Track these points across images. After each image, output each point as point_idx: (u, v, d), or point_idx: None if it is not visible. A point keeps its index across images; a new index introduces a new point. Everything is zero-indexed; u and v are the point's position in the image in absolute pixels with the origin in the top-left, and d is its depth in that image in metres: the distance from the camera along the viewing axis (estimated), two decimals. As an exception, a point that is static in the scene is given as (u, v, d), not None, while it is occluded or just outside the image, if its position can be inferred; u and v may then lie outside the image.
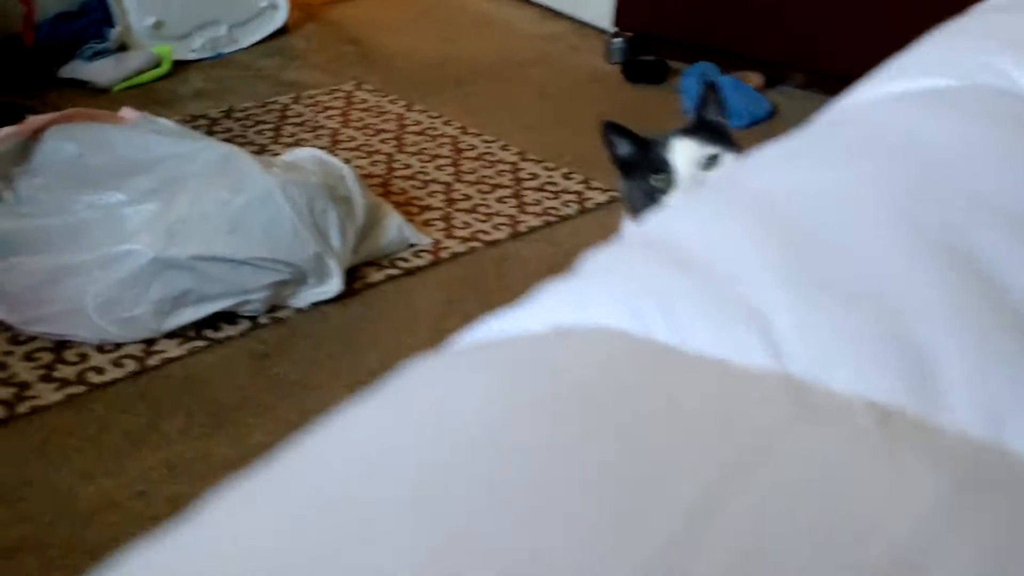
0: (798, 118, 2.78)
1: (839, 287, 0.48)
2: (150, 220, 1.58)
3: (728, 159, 1.13)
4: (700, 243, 0.55)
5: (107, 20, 2.64)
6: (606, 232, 1.92)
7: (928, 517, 0.35)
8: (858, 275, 0.49)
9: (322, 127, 2.40)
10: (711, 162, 1.12)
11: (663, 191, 1.12)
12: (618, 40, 2.93)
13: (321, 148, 2.26)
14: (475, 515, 0.36)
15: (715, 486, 0.34)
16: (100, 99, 2.49)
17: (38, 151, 1.74)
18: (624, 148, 1.18)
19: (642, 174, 1.14)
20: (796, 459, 0.37)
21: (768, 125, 2.53)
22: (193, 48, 2.78)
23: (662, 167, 1.12)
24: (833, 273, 0.49)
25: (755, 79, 2.73)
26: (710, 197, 0.64)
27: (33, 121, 1.77)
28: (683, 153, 1.11)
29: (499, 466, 0.38)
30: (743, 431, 0.38)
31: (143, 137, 1.78)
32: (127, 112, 1.97)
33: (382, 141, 2.33)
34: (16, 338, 1.55)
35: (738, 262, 0.51)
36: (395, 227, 1.85)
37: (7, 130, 1.73)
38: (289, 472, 0.42)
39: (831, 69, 2.65)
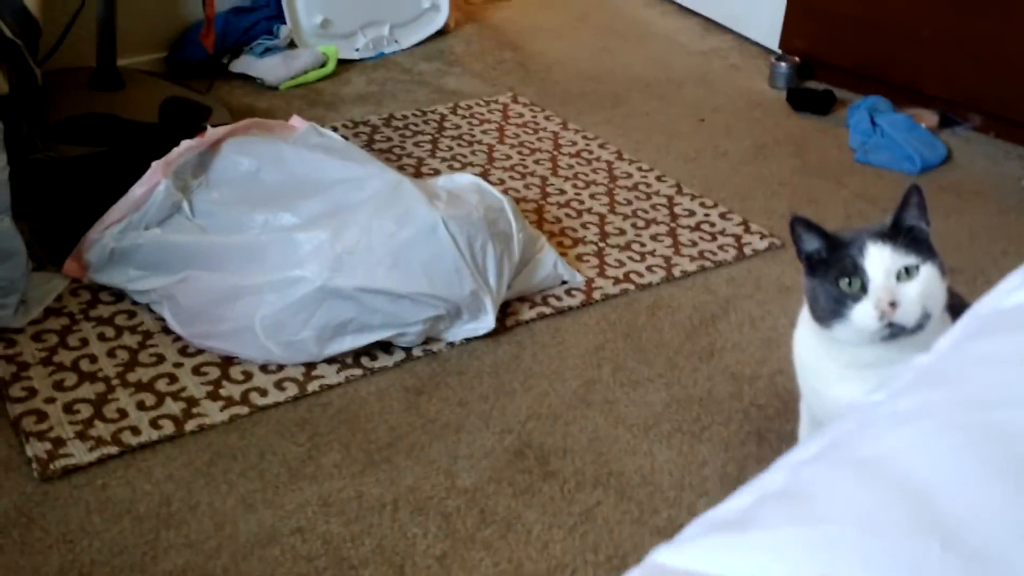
0: (974, 165, 2.68)
1: None
2: (320, 248, 1.62)
3: (926, 271, 1.07)
4: (958, 506, 0.50)
5: (278, 16, 2.71)
6: (764, 284, 1.87)
7: None
8: None
9: (478, 142, 2.41)
10: (909, 273, 1.07)
11: (854, 298, 1.08)
12: (783, 64, 2.83)
13: (477, 164, 2.28)
14: None
15: None
16: (267, 95, 2.57)
17: (216, 164, 1.81)
18: (812, 244, 1.13)
19: (830, 275, 1.10)
20: None
21: (941, 171, 2.41)
22: (356, 47, 2.83)
23: (853, 272, 1.08)
24: None
25: (929, 118, 2.59)
26: (947, 423, 0.59)
27: (213, 133, 1.84)
28: (878, 260, 1.06)
29: None
30: None
31: (315, 157, 1.82)
32: (296, 121, 2.02)
33: (536, 162, 2.33)
34: (185, 349, 1.62)
35: (1006, 546, 0.47)
36: (550, 263, 1.85)
37: (188, 143, 1.80)
38: None
39: (1012, 113, 2.50)
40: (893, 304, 1.05)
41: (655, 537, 1.31)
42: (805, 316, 1.20)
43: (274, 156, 1.83)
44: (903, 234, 1.08)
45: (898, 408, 0.66)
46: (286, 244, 1.64)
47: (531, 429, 1.52)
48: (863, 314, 1.06)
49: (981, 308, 0.83)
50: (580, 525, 1.34)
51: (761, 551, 0.53)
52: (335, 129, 2.26)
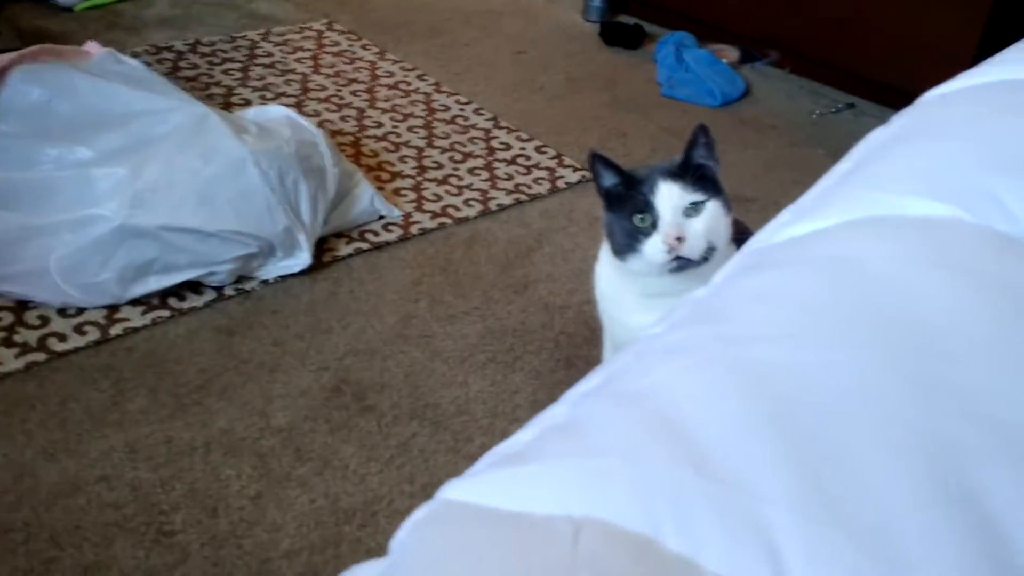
0: (771, 99, 2.80)
1: (849, 521, 0.49)
2: (119, 185, 1.54)
3: (712, 207, 1.14)
4: (709, 429, 0.56)
5: (69, -70, 2.51)
6: (575, 217, 1.93)
7: None
8: (863, 508, 0.50)
9: (292, 71, 2.34)
10: (695, 209, 1.14)
11: (645, 233, 1.14)
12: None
13: (291, 95, 2.22)
14: None
15: None
16: (61, 17, 2.39)
17: (2, 94, 1.68)
18: (609, 180, 1.18)
19: (626, 210, 1.15)
20: None
21: (740, 105, 2.54)
22: (159, -33, 2.66)
23: (645, 208, 1.13)
24: (843, 501, 0.50)
25: (731, 54, 2.72)
26: (709, 358, 0.64)
27: (-4, 60, 1.70)
28: (667, 197, 1.12)
29: None
30: None
31: (113, 86, 1.72)
32: (92, 46, 1.90)
33: (353, 93, 2.29)
34: (-26, 294, 1.52)
35: (749, 467, 0.52)
36: (367, 198, 1.83)
37: (-32, 70, 1.66)
38: None
39: (808, 51, 2.66)
40: (680, 239, 1.11)
41: (469, 464, 1.36)
42: (605, 249, 1.26)
43: (67, 85, 1.71)
44: (691, 172, 1.14)
45: (669, 341, 0.71)
46: (81, 181, 1.55)
47: (348, 366, 1.52)
48: (653, 248, 1.13)
49: (755, 243, 0.89)
50: (397, 457, 1.37)
51: (537, 483, 0.57)
52: (135, 55, 2.13)
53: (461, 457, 1.39)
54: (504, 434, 1.39)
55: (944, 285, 0.67)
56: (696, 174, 1.15)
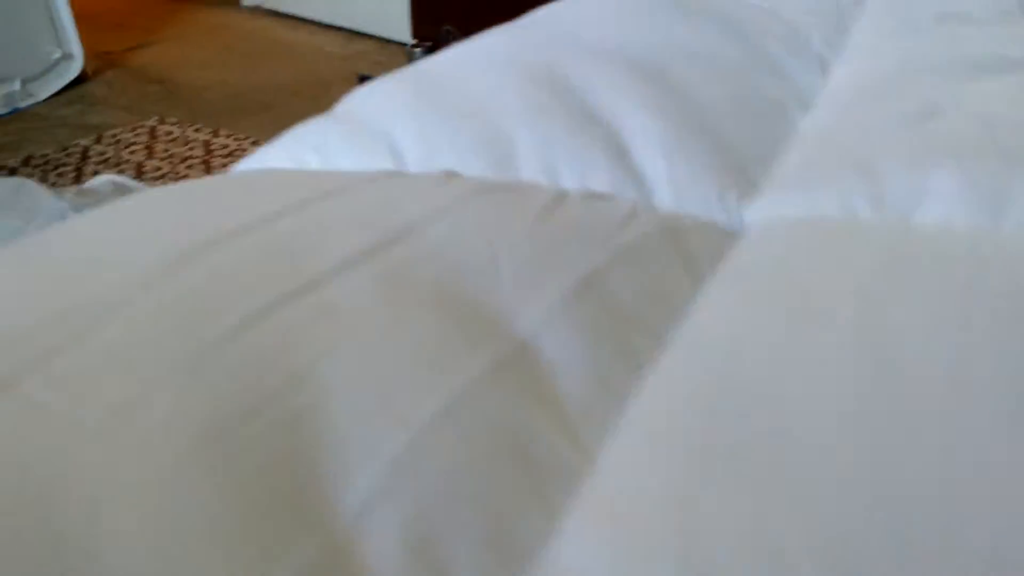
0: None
1: (450, 110, 0.59)
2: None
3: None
4: (359, 104, 0.65)
5: None
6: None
7: (447, 199, 0.45)
8: (467, 101, 0.60)
9: (126, 162, 2.39)
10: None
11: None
12: (418, 51, 3.03)
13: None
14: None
15: (276, 212, 0.43)
16: None
17: None
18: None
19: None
20: (363, 193, 0.46)
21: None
22: (-14, 106, 2.72)
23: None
24: (447, 103, 0.60)
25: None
26: (387, 78, 0.73)
27: None
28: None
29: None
30: (326, 185, 0.47)
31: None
32: (-88, 167, 1.93)
33: (189, 168, 2.35)
34: None
35: (380, 109, 0.61)
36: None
37: None
38: None
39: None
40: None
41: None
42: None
43: None
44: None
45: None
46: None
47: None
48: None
49: None
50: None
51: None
52: (-36, 174, 2.17)
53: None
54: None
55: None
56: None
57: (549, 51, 0.69)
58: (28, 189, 1.69)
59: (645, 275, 0.44)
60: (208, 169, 2.33)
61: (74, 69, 2.96)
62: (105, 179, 1.90)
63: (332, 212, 0.45)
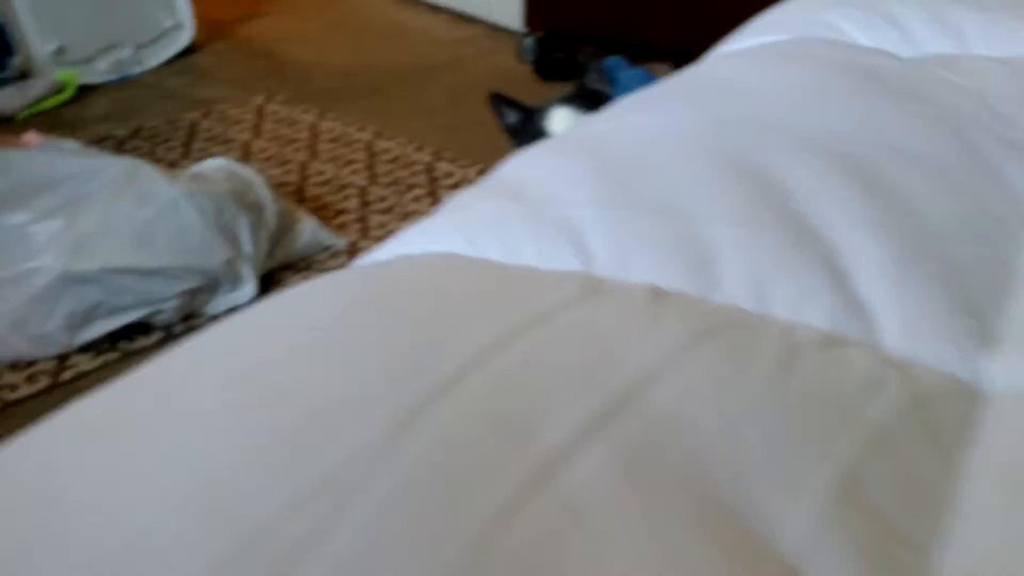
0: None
1: (642, 202, 0.53)
2: (55, 236, 1.56)
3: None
4: (533, 179, 0.60)
5: (6, 49, 2.60)
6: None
7: (669, 349, 0.39)
8: (660, 191, 0.54)
9: (232, 140, 2.39)
10: (594, 132, 1.15)
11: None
12: (529, 40, 2.97)
13: (233, 160, 2.26)
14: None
15: (489, 346, 0.37)
16: (3, 128, 2.45)
17: (-64, 177, 1.71)
18: (512, 117, 1.21)
19: (526, 140, 1.17)
20: (569, 322, 0.41)
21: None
22: (98, 71, 2.75)
23: (542, 134, 1.16)
24: (638, 192, 0.55)
25: (663, 69, 2.79)
26: (550, 144, 0.68)
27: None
28: (559, 120, 1.15)
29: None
30: (529, 308, 0.42)
31: (46, 157, 1.76)
32: (30, 137, 1.95)
33: (295, 150, 2.34)
34: (-78, 365, 1.52)
35: (562, 191, 0.56)
36: (309, 231, 1.85)
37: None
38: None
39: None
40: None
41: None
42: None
43: (1, 162, 1.75)
44: (584, 96, 1.17)
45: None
46: (18, 239, 1.57)
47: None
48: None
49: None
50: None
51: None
52: (77, 143, 2.19)
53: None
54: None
55: (767, 64, 0.70)
56: (591, 98, 1.17)
57: (742, 134, 0.63)
58: (140, 173, 1.68)
59: (898, 465, 0.39)
60: (314, 153, 2.31)
61: (184, 38, 2.98)
62: (216, 164, 1.89)
63: (543, 353, 0.40)
